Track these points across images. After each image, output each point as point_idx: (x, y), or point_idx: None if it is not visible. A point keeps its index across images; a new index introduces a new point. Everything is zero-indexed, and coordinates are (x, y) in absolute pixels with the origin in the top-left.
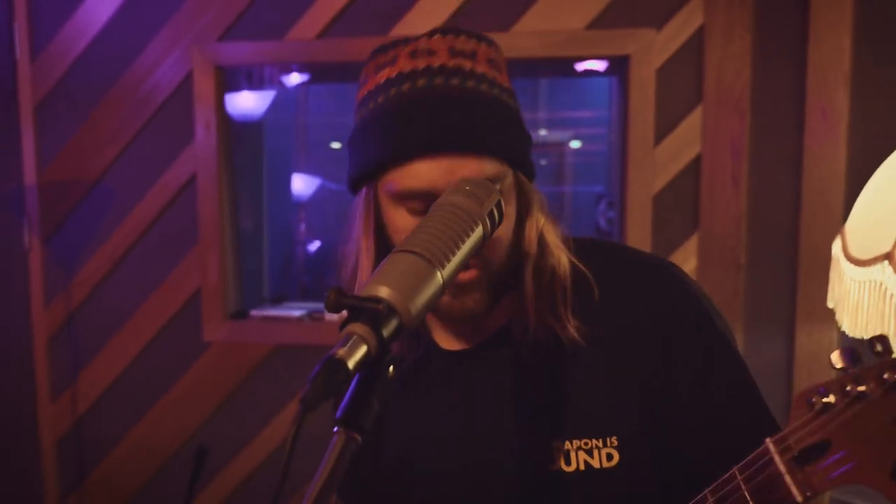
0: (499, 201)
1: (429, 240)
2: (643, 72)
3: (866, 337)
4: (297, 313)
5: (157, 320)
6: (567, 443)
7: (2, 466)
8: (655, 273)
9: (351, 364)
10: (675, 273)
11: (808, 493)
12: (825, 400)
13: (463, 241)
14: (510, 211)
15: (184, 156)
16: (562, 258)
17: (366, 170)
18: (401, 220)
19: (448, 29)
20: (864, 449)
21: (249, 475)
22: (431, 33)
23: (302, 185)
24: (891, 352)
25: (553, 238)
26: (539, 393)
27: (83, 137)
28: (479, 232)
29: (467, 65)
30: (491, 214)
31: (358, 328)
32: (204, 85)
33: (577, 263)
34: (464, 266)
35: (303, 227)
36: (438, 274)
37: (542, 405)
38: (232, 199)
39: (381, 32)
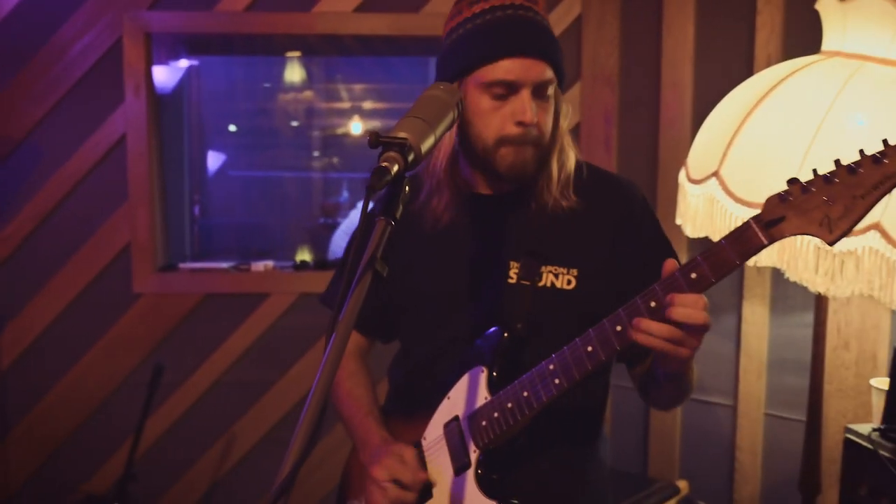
0: (460, 100)
1: (427, 112)
2: None
3: (702, 236)
4: (225, 265)
5: (85, 274)
6: (542, 267)
7: None
8: (625, 181)
9: (393, 171)
10: (636, 185)
11: (768, 241)
12: (789, 196)
13: (444, 118)
14: (556, 107)
15: (113, 118)
16: (572, 154)
17: (467, 64)
18: (485, 103)
19: None
20: (803, 217)
21: (183, 415)
22: None
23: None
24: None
25: (569, 139)
26: (533, 233)
27: (10, 96)
28: (452, 115)
29: (534, 5)
30: (458, 105)
31: (393, 154)
32: (134, 51)
33: (581, 160)
34: (444, 132)
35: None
36: (432, 133)
37: (531, 241)
38: (160, 159)
39: (304, 9)
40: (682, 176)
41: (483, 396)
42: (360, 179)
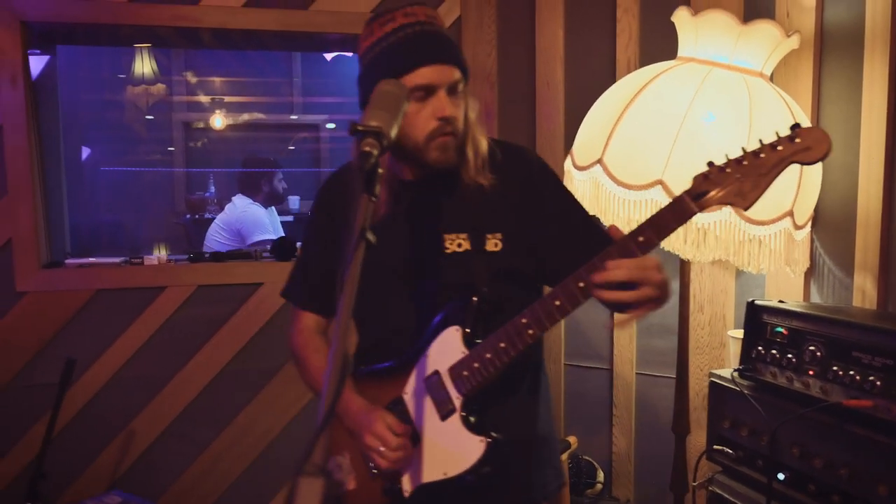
0: (408, 93)
1: (388, 104)
2: None
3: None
4: (116, 259)
5: None
6: (472, 233)
7: None
8: (523, 149)
9: (375, 154)
10: (531, 149)
11: (698, 209)
12: (710, 175)
13: (400, 109)
14: (467, 103)
15: None
16: (483, 139)
17: (391, 76)
18: (409, 107)
19: (415, 2)
20: (723, 191)
21: (80, 412)
22: (411, 4)
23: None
24: None
25: (479, 126)
26: (458, 208)
27: None
28: (405, 105)
29: (435, 19)
30: (407, 98)
31: (371, 140)
32: (8, 39)
33: (491, 142)
34: (401, 118)
35: None
36: (395, 122)
37: (459, 214)
38: (40, 152)
39: (192, 1)
40: (568, 163)
41: (460, 351)
42: (226, 174)
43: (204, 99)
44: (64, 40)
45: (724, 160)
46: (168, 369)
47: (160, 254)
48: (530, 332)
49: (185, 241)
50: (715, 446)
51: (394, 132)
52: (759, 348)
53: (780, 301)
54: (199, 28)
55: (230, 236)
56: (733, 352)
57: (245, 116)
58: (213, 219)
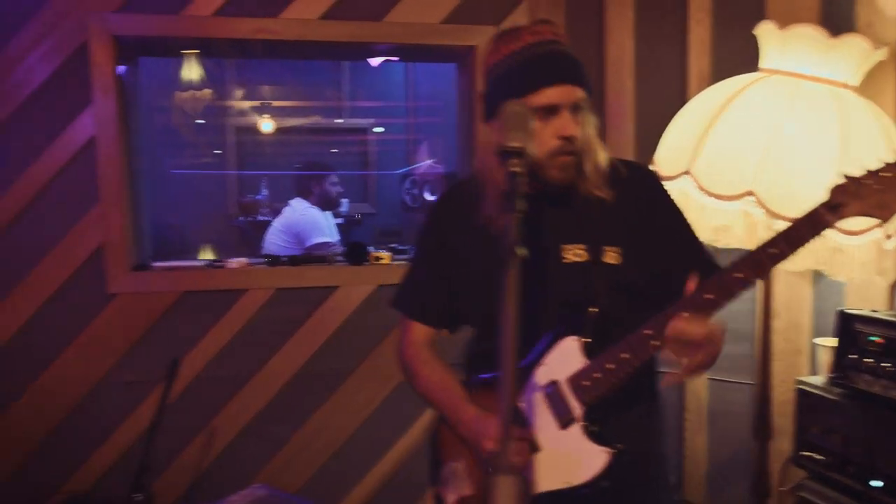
0: (533, 112)
1: (523, 126)
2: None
3: None
4: (200, 262)
5: (56, 277)
6: (591, 245)
7: None
8: (645, 169)
9: (521, 174)
10: (654, 171)
11: (835, 220)
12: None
13: (531, 127)
14: (589, 119)
15: (81, 119)
16: (603, 153)
17: (515, 94)
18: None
19: (543, 21)
20: (862, 202)
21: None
22: (537, 23)
23: None
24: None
25: (598, 142)
26: (577, 221)
27: None
28: (533, 123)
29: (561, 38)
30: (533, 116)
31: (516, 161)
32: (101, 53)
33: (615, 159)
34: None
35: None
36: (531, 140)
37: (577, 226)
38: (129, 161)
39: (272, 14)
40: None
41: (580, 361)
42: (281, 177)
43: (253, 103)
44: (147, 53)
45: (861, 171)
46: (248, 369)
47: (237, 258)
48: (653, 343)
49: (241, 243)
50: (803, 452)
51: (532, 150)
52: (852, 356)
53: (873, 310)
54: (279, 41)
55: (289, 238)
56: (820, 359)
57: (296, 121)
58: (266, 221)
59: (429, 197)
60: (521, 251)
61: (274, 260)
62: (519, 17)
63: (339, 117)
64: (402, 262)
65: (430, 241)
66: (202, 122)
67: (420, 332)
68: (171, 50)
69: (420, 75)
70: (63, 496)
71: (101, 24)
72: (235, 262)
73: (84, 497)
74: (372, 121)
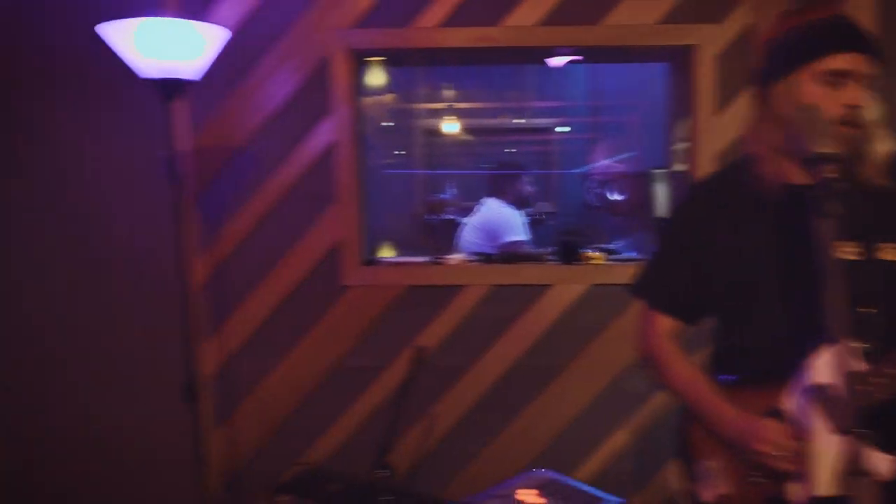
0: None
1: (821, 128)
2: (706, 57)
3: None
4: (423, 259)
5: (298, 270)
6: (865, 240)
7: (162, 397)
8: None
9: (837, 179)
10: None
11: None
12: None
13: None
14: (878, 101)
15: (322, 126)
16: (889, 142)
17: (804, 58)
18: (818, 91)
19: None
20: None
21: (386, 398)
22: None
23: None
24: None
25: (884, 126)
26: (849, 213)
27: (230, 108)
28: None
29: (848, 17)
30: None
31: (832, 166)
32: (342, 67)
33: None
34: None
35: None
36: (832, 139)
37: (850, 219)
38: (363, 165)
39: (493, 22)
40: None
41: (856, 364)
42: (465, 176)
43: (439, 106)
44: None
45: None
46: (465, 361)
47: (457, 256)
48: None
49: (431, 239)
50: None
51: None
52: None
53: None
54: (497, 47)
55: (484, 236)
56: None
57: (481, 121)
58: (451, 220)
59: (613, 196)
60: (836, 256)
61: (486, 258)
62: (745, 14)
63: (522, 117)
64: (615, 263)
65: (679, 235)
66: (390, 124)
67: (665, 323)
68: (398, 60)
69: (602, 75)
70: (301, 466)
71: (341, 39)
72: (455, 259)
73: (321, 468)
74: (554, 120)
